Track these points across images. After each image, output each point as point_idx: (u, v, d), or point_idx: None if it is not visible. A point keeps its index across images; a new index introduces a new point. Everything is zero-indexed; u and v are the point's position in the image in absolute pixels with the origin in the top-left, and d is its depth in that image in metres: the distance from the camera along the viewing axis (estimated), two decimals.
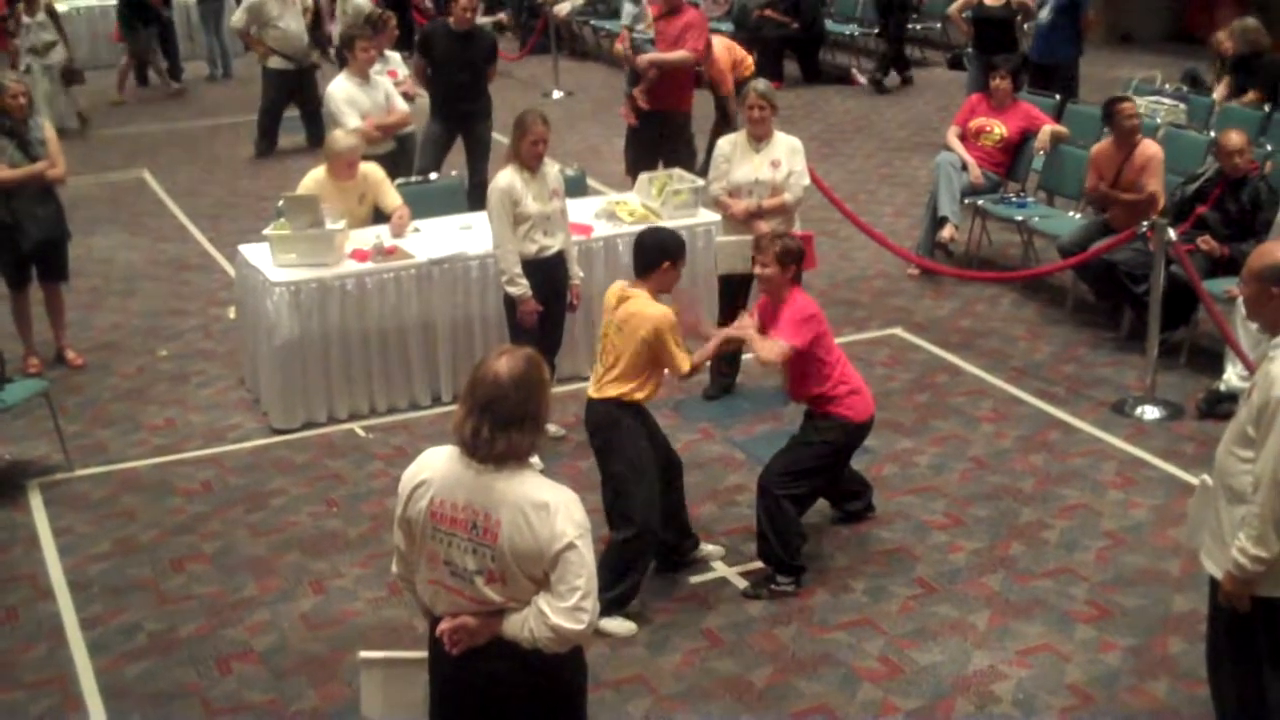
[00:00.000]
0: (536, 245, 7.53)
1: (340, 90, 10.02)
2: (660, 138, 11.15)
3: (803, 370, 6.41)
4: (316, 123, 14.26)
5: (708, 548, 6.71)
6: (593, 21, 19.79)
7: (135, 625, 6.31)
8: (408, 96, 10.86)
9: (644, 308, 6.06)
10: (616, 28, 15.09)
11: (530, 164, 7.44)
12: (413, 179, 9.86)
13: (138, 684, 5.89)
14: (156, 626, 6.29)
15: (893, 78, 17.33)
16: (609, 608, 5.87)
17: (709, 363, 6.64)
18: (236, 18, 14.65)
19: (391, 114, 10.19)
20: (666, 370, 6.19)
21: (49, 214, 8.84)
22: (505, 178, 7.45)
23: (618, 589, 6.07)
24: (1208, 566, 4.78)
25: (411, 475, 4.04)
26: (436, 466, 4.00)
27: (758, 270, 6.50)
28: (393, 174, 9.35)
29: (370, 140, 9.71)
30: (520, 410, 3.86)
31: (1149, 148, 9.34)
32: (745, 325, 6.56)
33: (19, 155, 8.60)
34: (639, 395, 6.14)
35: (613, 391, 6.13)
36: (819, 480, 6.50)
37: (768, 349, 6.29)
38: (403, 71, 11.13)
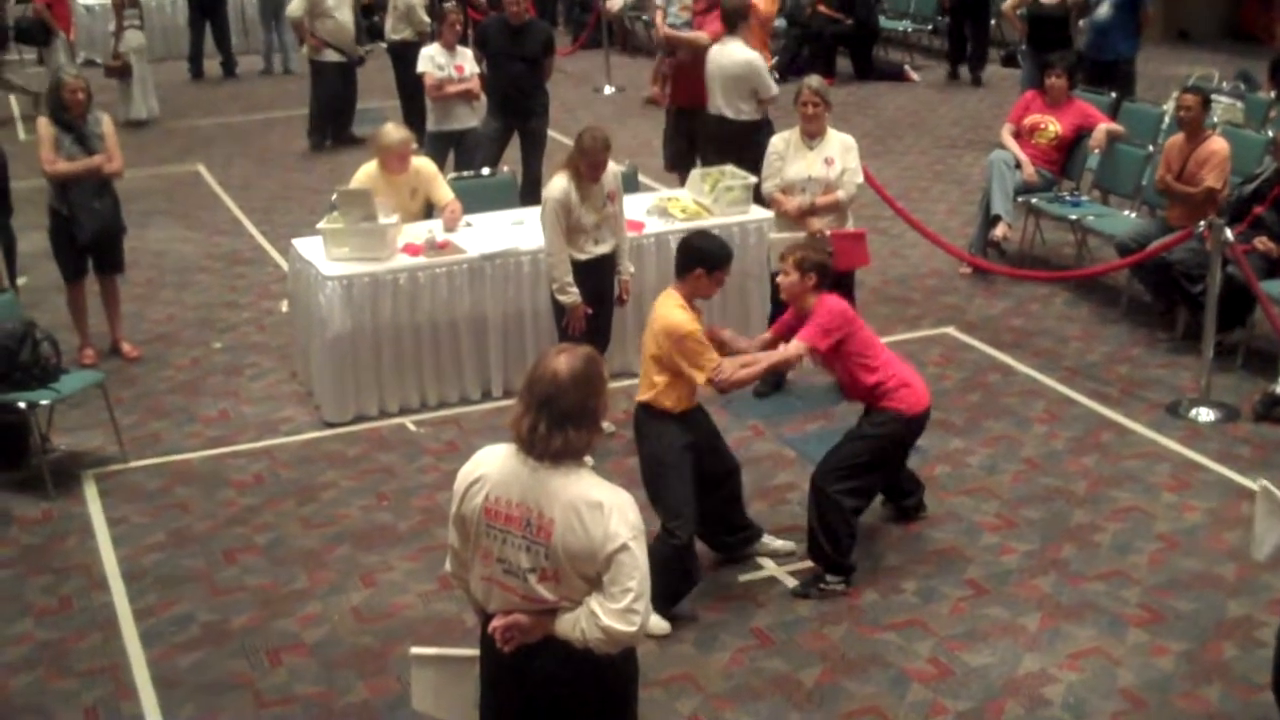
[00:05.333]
0: (587, 254, 7.55)
1: None
2: (694, 134, 11.09)
3: (848, 371, 6.36)
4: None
5: (775, 543, 6.67)
6: (644, 16, 19.75)
7: (188, 616, 6.36)
8: (473, 96, 10.87)
9: (666, 310, 5.99)
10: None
11: (588, 180, 7.42)
12: (465, 173, 9.87)
13: (190, 674, 5.94)
14: (209, 617, 6.34)
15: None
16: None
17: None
18: (294, 7, 14.68)
19: None
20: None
21: (106, 207, 8.91)
22: (560, 187, 7.39)
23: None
24: None
25: (467, 472, 4.04)
26: (493, 463, 4.00)
27: (780, 280, 6.42)
28: None
29: None
30: (578, 408, 3.86)
31: (1214, 143, 9.21)
32: (790, 351, 6.31)
33: (77, 149, 8.70)
34: (665, 402, 6.04)
35: (641, 396, 6.14)
36: (873, 477, 6.42)
37: (789, 349, 6.23)
38: (470, 68, 11.13)
